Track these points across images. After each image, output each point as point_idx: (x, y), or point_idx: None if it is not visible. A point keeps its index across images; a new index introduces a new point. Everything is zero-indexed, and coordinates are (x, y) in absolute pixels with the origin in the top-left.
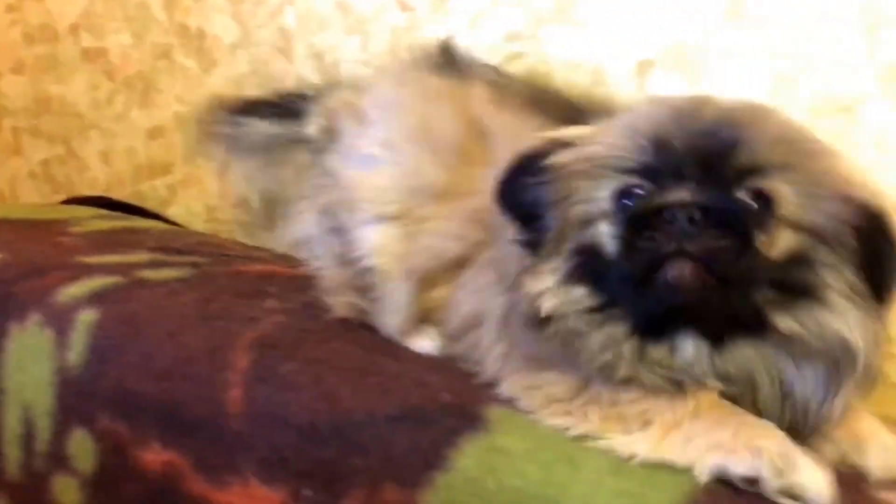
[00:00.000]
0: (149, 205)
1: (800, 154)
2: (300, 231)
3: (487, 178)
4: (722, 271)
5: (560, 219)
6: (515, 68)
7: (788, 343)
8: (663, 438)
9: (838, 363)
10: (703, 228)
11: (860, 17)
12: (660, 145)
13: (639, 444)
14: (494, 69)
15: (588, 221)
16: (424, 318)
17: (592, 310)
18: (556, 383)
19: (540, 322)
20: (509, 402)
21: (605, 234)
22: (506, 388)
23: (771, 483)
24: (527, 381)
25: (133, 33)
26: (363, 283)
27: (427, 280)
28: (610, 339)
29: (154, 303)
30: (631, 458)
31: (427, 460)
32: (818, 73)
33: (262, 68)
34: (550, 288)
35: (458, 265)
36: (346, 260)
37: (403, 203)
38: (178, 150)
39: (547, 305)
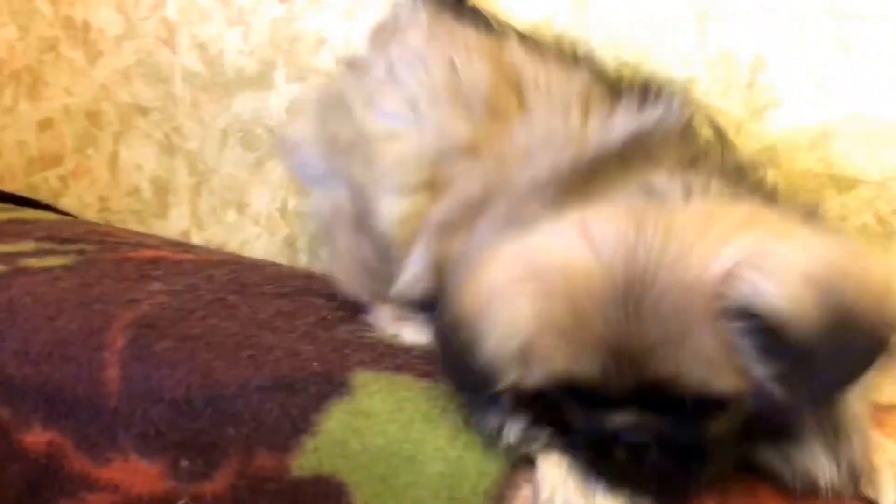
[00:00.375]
0: (41, 197)
1: (723, 383)
2: (296, 135)
3: (519, 132)
4: (682, 482)
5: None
6: None
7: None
8: None
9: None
10: (654, 459)
11: (690, 7)
12: (602, 375)
13: None
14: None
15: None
16: (441, 267)
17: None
18: None
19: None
20: (373, 366)
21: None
22: None
23: None
24: None
25: (19, 27)
26: (374, 244)
27: (446, 228)
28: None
29: (33, 289)
30: None
31: (296, 426)
32: (654, 60)
33: (148, 59)
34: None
35: (478, 209)
36: (362, 215)
37: (428, 171)
38: (68, 142)
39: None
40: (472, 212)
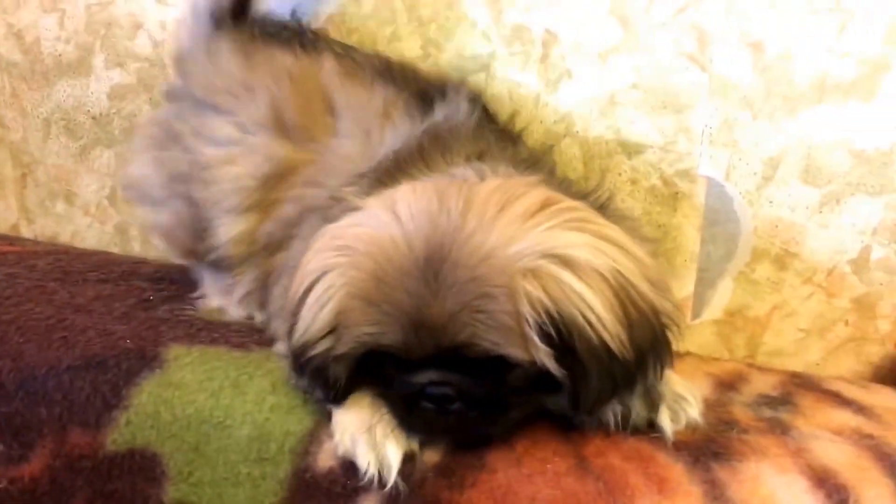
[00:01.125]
0: None
1: (516, 349)
2: (136, 173)
3: (330, 155)
4: (477, 425)
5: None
6: None
7: None
8: None
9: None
10: (452, 410)
11: None
12: (403, 339)
13: None
14: (340, 44)
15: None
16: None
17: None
18: None
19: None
20: (187, 341)
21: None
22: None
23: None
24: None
25: None
26: (218, 262)
27: (269, 246)
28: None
29: None
30: None
31: (107, 402)
32: (458, 37)
33: None
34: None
35: (293, 227)
36: (201, 233)
37: (258, 193)
38: None
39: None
40: (291, 230)
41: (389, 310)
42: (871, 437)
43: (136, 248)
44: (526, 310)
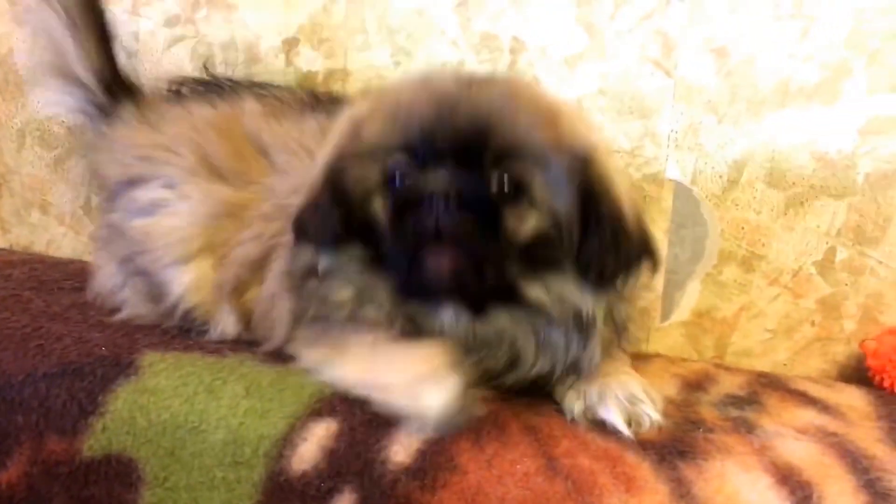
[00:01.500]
0: None
1: (552, 141)
2: (102, 285)
3: (273, 185)
4: (475, 254)
5: (344, 206)
6: (179, 51)
7: (539, 308)
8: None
9: (580, 326)
10: (459, 213)
11: None
12: (423, 133)
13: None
14: (258, 84)
15: (365, 198)
16: (244, 322)
17: (362, 259)
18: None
19: (310, 275)
20: (161, 347)
21: (379, 208)
22: (290, 348)
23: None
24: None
25: None
26: (184, 322)
27: (239, 288)
28: (375, 290)
29: None
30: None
31: (83, 409)
32: (428, 45)
33: None
34: (328, 253)
35: (261, 265)
36: (158, 298)
37: (204, 235)
38: None
39: (324, 264)
40: (257, 269)
41: (414, 100)
42: (834, 434)
43: None
44: (567, 129)
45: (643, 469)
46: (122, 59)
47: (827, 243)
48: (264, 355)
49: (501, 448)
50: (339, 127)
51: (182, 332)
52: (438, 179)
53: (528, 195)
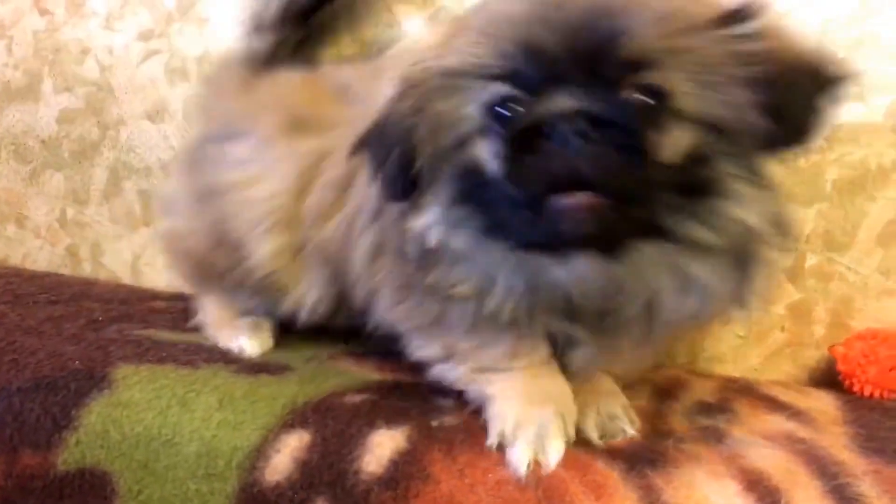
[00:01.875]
0: None
1: (690, 34)
2: (168, 190)
3: (353, 125)
4: (617, 190)
5: (431, 148)
6: (153, 65)
7: (690, 243)
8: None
9: (745, 252)
10: (591, 140)
11: None
12: (528, 47)
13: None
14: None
15: (461, 142)
16: (323, 254)
17: (478, 231)
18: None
19: (426, 254)
20: (135, 360)
21: (484, 152)
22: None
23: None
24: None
25: None
26: (259, 284)
27: (323, 215)
28: (495, 260)
29: None
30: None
31: (57, 423)
32: None
33: None
34: (435, 220)
35: (345, 186)
36: (224, 249)
37: (296, 204)
38: None
39: (433, 236)
40: (340, 190)
41: (512, 10)
42: (802, 441)
43: (87, 270)
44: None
45: (612, 477)
46: (95, 72)
47: (796, 250)
48: (238, 366)
49: (474, 457)
50: (411, 54)
51: (157, 344)
52: (560, 106)
53: (675, 107)
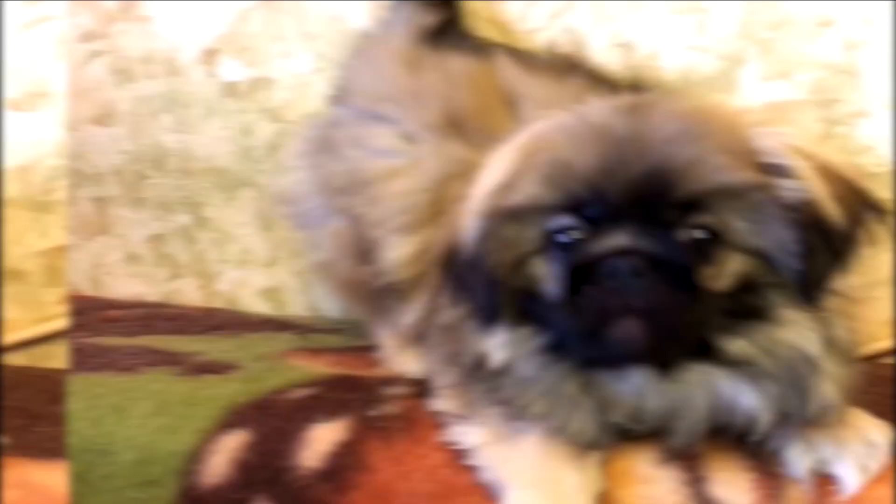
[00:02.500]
0: None
1: (745, 174)
2: (290, 186)
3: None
4: (670, 320)
5: (498, 270)
6: (97, 67)
7: (739, 363)
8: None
9: (797, 376)
10: (646, 277)
11: None
12: (592, 193)
13: None
14: (511, 47)
15: (522, 260)
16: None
17: (540, 350)
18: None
19: (494, 374)
20: (72, 370)
21: (543, 272)
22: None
23: None
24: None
25: None
26: (384, 292)
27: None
28: (561, 378)
29: None
30: None
31: None
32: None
33: None
34: (502, 341)
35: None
36: (359, 253)
37: (434, 204)
38: None
39: (498, 357)
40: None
41: (585, 140)
42: None
43: None
44: (763, 143)
45: None
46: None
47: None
48: (182, 368)
49: (411, 444)
50: (484, 184)
51: (100, 350)
52: (617, 242)
53: (726, 240)
